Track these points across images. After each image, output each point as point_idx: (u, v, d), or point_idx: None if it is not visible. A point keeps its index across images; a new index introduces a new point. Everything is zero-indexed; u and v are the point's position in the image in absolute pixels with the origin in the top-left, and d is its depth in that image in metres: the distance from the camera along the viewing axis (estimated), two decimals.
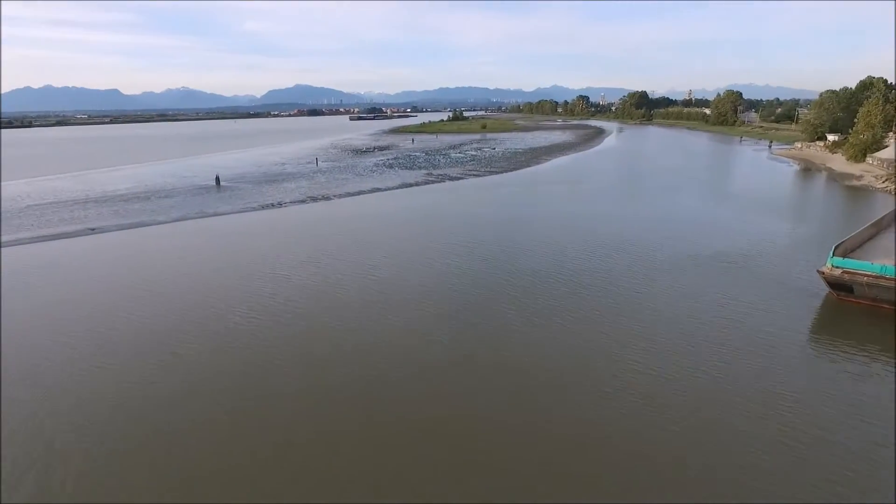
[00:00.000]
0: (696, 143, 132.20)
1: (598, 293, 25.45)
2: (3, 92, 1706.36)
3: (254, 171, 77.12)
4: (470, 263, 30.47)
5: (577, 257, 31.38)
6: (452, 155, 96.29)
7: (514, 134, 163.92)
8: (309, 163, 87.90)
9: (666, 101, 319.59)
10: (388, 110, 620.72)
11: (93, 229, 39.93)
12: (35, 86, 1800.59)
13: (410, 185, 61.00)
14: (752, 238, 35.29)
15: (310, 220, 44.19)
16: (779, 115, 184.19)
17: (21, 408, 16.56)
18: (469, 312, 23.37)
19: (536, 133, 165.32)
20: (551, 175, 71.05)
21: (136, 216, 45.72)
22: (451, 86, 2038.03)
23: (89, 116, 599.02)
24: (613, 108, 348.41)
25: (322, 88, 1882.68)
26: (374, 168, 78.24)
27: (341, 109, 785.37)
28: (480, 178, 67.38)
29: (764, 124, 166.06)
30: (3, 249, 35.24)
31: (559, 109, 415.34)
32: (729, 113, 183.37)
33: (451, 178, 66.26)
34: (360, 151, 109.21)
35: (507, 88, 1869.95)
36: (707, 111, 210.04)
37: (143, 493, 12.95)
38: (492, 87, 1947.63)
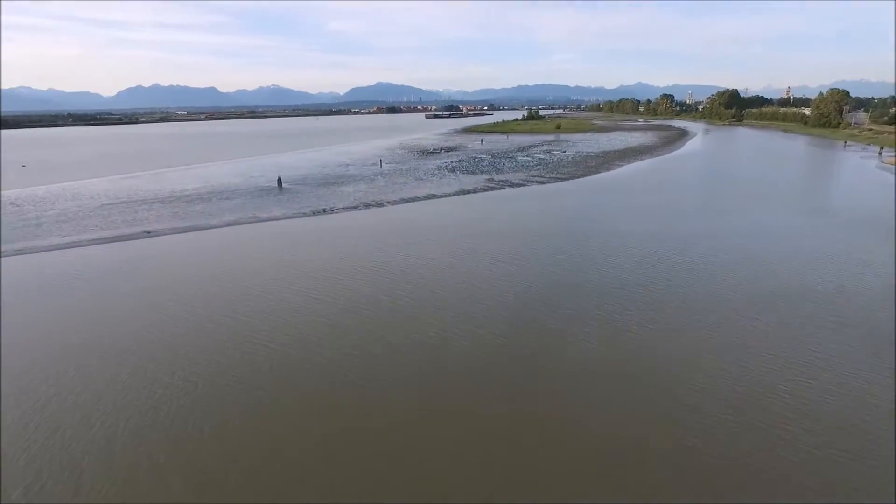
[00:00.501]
0: (791, 147, 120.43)
1: (640, 333, 21.88)
2: (120, 90, 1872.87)
3: (317, 173, 77.68)
4: (516, 288, 27.61)
5: (628, 284, 27.65)
6: (519, 158, 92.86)
7: (589, 135, 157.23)
8: (373, 164, 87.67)
9: (760, 101, 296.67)
10: (464, 108, 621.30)
11: (148, 232, 40.72)
12: (145, 84, 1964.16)
13: (467, 192, 58.58)
14: (849, 271, 29.82)
15: (353, 228, 42.81)
16: (893, 115, 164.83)
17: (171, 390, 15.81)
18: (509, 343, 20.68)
19: (613, 134, 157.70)
20: (621, 182, 66.19)
21: (192, 219, 46.46)
22: (530, 83, 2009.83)
23: (188, 113, 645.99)
24: (700, 108, 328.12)
25: (402, 86, 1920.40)
26: (436, 172, 76.48)
27: (419, 107, 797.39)
28: (544, 185, 63.83)
29: (874, 126, 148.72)
30: (69, 249, 36.56)
31: (641, 108, 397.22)
32: (832, 114, 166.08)
33: (512, 185, 63.17)
34: (426, 152, 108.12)
35: (587, 86, 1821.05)
36: (806, 111, 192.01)
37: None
38: (572, 85, 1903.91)
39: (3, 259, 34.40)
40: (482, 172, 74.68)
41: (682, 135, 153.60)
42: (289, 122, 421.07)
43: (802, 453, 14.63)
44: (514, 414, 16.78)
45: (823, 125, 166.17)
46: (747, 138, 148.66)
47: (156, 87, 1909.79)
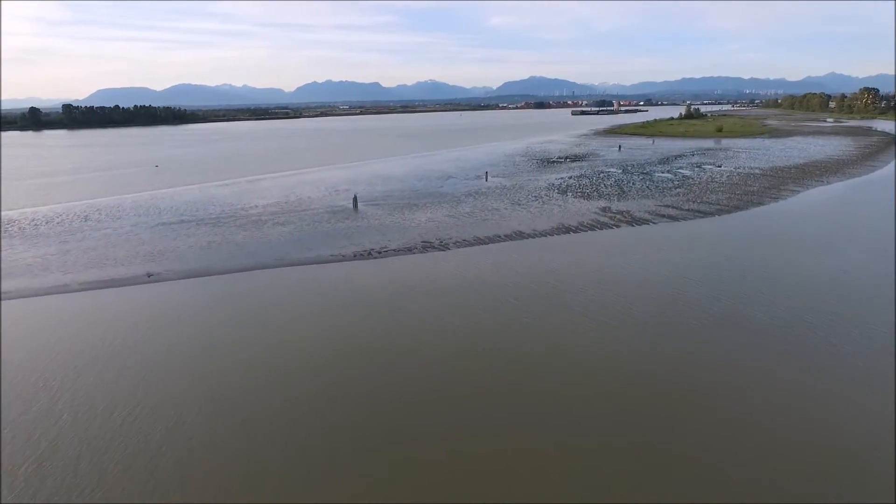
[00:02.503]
0: None
1: None
2: (298, 86, 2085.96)
3: (408, 187, 69.03)
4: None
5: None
6: (656, 175, 75.51)
7: (757, 141, 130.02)
8: (477, 177, 76.88)
9: None
10: (616, 104, 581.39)
11: (150, 275, 34.45)
12: (319, 80, 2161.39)
13: (566, 231, 45.18)
14: None
15: (377, 290, 32.45)
16: None
17: None
18: None
19: (791, 141, 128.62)
20: (792, 224, 47.64)
21: (216, 255, 39.84)
22: (697, 76, 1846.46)
23: (350, 107, 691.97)
24: None
25: (555, 80, 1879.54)
26: (543, 192, 63.39)
27: (569, 102, 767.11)
28: (675, 222, 47.92)
29: None
30: (53, 296, 31.36)
31: (832, 104, 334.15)
32: None
33: (632, 221, 48.21)
34: (547, 162, 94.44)
35: (765, 78, 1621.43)
36: None
37: None
38: (746, 77, 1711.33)
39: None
40: (600, 196, 59.95)
41: (888, 143, 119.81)
42: (435, 117, 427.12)
43: None
44: None
45: None
46: None
47: (328, 83, 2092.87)
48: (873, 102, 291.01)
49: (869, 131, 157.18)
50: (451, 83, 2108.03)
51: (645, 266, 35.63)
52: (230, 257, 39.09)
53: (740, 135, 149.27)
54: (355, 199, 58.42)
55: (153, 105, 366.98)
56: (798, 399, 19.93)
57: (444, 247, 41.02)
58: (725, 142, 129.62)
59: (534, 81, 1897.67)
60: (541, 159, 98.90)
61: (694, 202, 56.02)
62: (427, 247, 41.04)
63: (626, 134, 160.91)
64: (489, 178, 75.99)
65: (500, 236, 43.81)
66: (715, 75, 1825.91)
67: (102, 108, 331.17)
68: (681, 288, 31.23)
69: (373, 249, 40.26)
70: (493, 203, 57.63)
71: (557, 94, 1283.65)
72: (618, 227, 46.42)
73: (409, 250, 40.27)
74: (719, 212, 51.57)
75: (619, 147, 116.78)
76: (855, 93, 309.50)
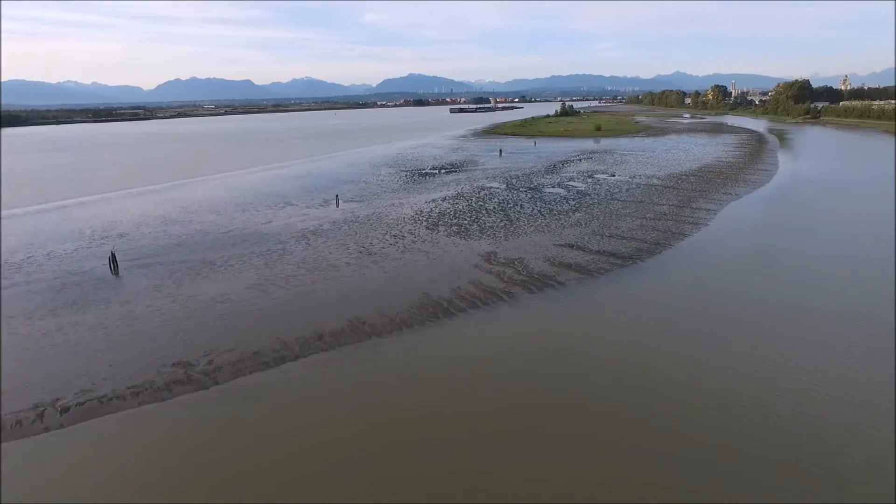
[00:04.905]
0: None
1: None
2: (157, 84, 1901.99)
3: (215, 227, 48.67)
4: None
5: None
6: (547, 191, 61.90)
7: (637, 140, 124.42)
8: (326, 201, 58.33)
9: (830, 93, 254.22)
10: (494, 100, 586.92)
11: None
12: (183, 77, 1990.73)
13: (434, 314, 28.34)
14: None
15: None
16: None
17: None
18: None
19: (668, 139, 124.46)
20: (733, 273, 34.84)
21: None
22: (564, 73, 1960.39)
23: (216, 107, 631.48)
24: (758, 102, 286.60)
25: (434, 77, 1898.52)
26: (408, 229, 46.51)
27: (447, 99, 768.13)
28: (588, 280, 33.06)
29: None
30: None
31: (687, 101, 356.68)
32: None
33: (528, 281, 32.61)
34: (419, 174, 77.96)
35: (623, 76, 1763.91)
36: None
37: None
38: (607, 75, 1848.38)
39: None
40: (482, 231, 44.17)
41: (759, 141, 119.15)
42: (308, 116, 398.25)
43: None
44: None
45: None
46: (862, 146, 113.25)
47: (193, 81, 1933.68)
48: (722, 100, 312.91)
49: (730, 128, 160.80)
50: (329, 81, 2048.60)
51: (566, 429, 19.72)
52: None
53: (619, 133, 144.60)
54: (112, 261, 37.28)
55: None
56: None
57: (207, 381, 22.23)
58: (606, 142, 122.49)
59: (413, 79, 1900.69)
60: (411, 170, 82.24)
61: (602, 236, 42.08)
62: (176, 382, 22.01)
63: (505, 134, 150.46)
64: (340, 202, 57.76)
65: (320, 337, 25.84)
66: (581, 73, 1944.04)
67: None
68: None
69: (62, 404, 20.40)
70: (333, 252, 39.43)
71: (437, 91, 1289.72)
72: (510, 295, 30.47)
73: (138, 395, 20.99)
74: (639, 253, 37.75)
75: (500, 152, 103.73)
76: (707, 90, 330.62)
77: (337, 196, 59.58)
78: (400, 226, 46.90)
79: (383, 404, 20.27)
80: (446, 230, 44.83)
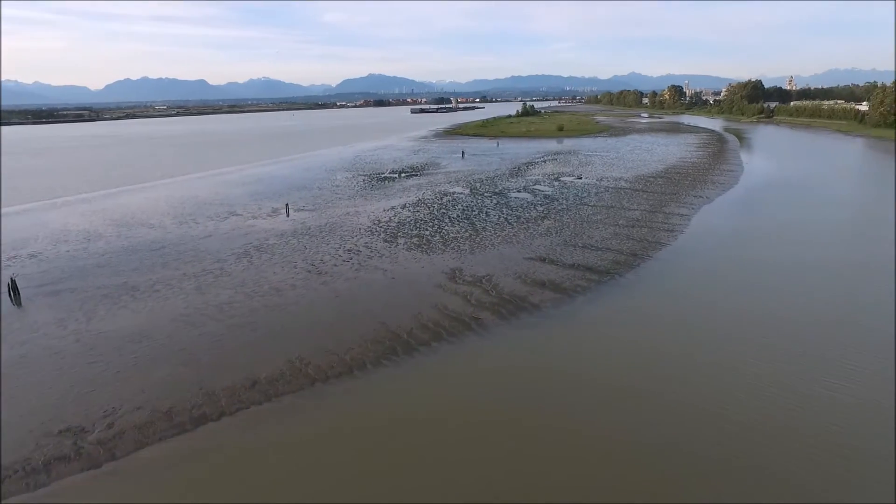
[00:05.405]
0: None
1: None
2: (105, 84, 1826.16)
3: (145, 244, 43.26)
4: None
5: None
6: (513, 196, 58.58)
7: (600, 140, 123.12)
8: (275, 211, 53.39)
9: (780, 93, 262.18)
10: (455, 101, 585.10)
11: None
12: (133, 77, 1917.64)
13: (392, 349, 24.36)
14: None
15: None
16: None
17: None
18: None
19: (630, 140, 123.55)
20: (722, 288, 32.19)
21: None
22: (524, 74, 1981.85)
23: (168, 107, 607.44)
24: (713, 101, 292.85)
25: (394, 77, 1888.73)
26: (363, 242, 42.30)
27: (408, 100, 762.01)
28: (564, 300, 29.65)
29: None
30: None
31: (644, 101, 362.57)
32: None
33: (499, 304, 29.02)
34: (377, 179, 73.57)
35: (581, 76, 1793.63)
36: (861, 107, 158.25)
37: None
38: (565, 75, 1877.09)
39: None
40: (445, 244, 40.31)
41: (721, 140, 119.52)
42: (265, 117, 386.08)
43: None
44: None
45: (890, 125, 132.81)
46: (818, 145, 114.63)
47: (144, 80, 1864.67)
48: (678, 100, 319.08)
49: (689, 127, 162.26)
50: (287, 81, 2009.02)
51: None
52: None
53: (581, 133, 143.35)
54: (13, 287, 31.71)
55: None
56: None
57: (101, 455, 17.57)
58: (569, 142, 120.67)
59: (373, 79, 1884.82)
60: (370, 175, 77.74)
61: (575, 246, 38.86)
62: (59, 459, 17.28)
63: (467, 135, 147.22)
64: (290, 211, 52.99)
65: (253, 385, 21.44)
66: (540, 73, 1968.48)
67: None
68: None
69: None
70: (278, 272, 34.84)
71: (397, 91, 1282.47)
72: (478, 322, 26.73)
73: None
74: (616, 266, 34.60)
75: (463, 153, 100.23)
76: (664, 90, 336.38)
77: (287, 205, 54.69)
78: (355, 238, 42.58)
79: (323, 479, 16.13)
80: (406, 243, 40.77)
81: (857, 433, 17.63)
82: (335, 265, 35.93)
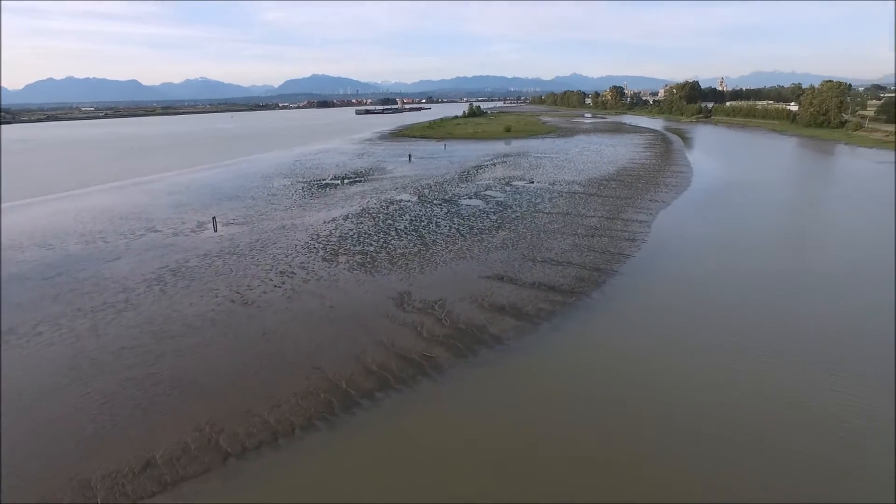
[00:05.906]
0: (856, 165, 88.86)
1: None
2: (26, 84, 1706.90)
3: (38, 271, 36.88)
4: None
5: None
6: (464, 203, 55.06)
7: (548, 141, 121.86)
8: (200, 225, 47.60)
9: (714, 94, 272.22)
10: (401, 101, 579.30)
11: None
12: (57, 77, 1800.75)
13: (329, 409, 20.09)
14: None
15: None
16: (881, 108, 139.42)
17: None
18: None
19: (578, 141, 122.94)
20: (694, 293, 29.61)
21: None
22: (469, 75, 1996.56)
23: (96, 109, 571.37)
24: (652, 102, 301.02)
25: (339, 78, 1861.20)
26: (299, 261, 37.64)
27: (353, 101, 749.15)
28: (528, 329, 26.25)
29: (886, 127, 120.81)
30: None
31: (588, 101, 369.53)
32: (832, 111, 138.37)
33: (453, 335, 25.35)
34: (318, 186, 68.37)
35: (524, 77, 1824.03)
36: (792, 108, 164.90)
37: None
38: (509, 76, 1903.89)
39: None
40: (392, 262, 36.17)
41: (666, 141, 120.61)
42: (201, 119, 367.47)
43: None
44: None
45: (820, 124, 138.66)
46: (758, 144, 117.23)
47: (70, 80, 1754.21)
48: (620, 100, 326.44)
49: (632, 128, 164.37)
50: (226, 81, 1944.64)
51: None
52: None
53: (529, 134, 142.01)
54: None
55: None
56: None
57: None
58: (517, 143, 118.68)
59: (317, 80, 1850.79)
60: (310, 181, 72.36)
61: (534, 261, 35.60)
62: None
63: (414, 137, 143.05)
64: (218, 226, 47.41)
65: (145, 467, 16.76)
66: (485, 74, 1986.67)
67: None
68: None
69: None
70: (196, 302, 29.71)
71: (342, 92, 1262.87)
72: (431, 362, 22.85)
73: None
74: (581, 284, 31.50)
75: (410, 157, 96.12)
76: (606, 91, 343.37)
77: (214, 218, 49.00)
78: (290, 257, 37.77)
79: None
80: (348, 262, 36.35)
81: (850, 439, 14.82)
82: (264, 292, 31.14)
